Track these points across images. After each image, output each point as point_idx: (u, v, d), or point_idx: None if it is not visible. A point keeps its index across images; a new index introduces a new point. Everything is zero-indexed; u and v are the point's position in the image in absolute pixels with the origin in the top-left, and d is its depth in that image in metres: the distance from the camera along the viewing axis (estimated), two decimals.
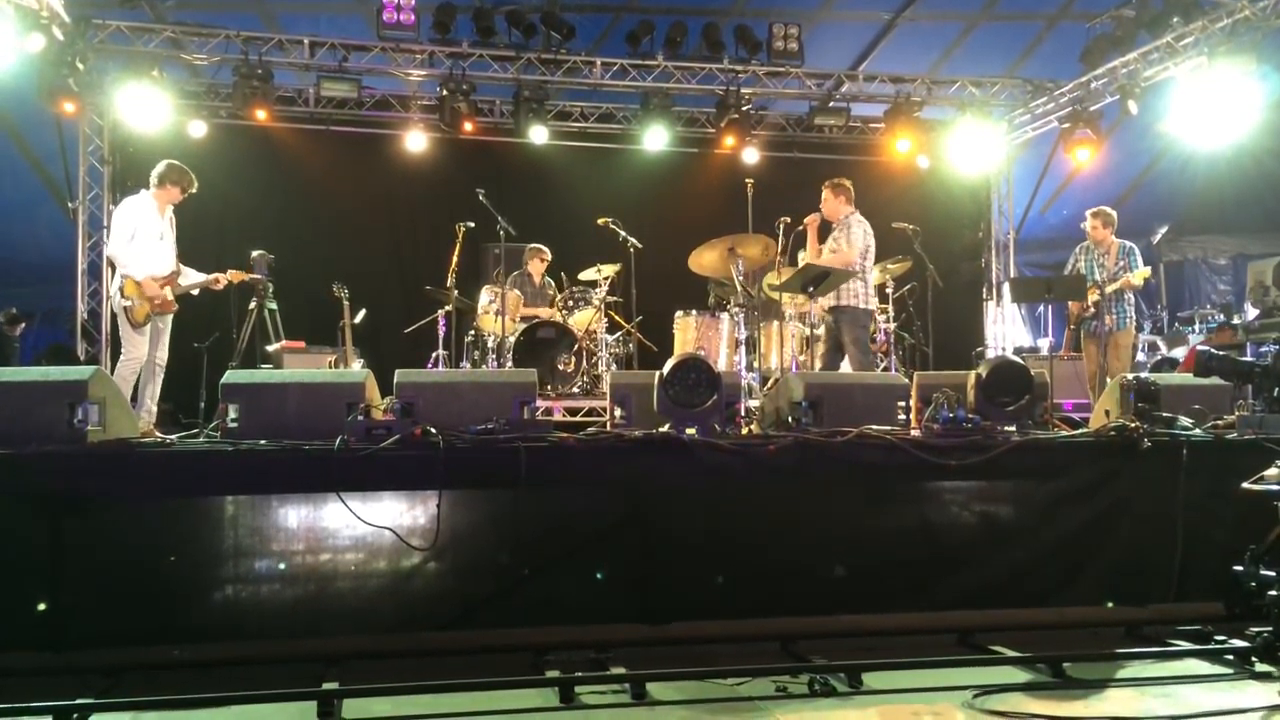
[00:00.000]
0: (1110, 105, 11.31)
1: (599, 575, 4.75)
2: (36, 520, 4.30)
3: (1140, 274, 8.80)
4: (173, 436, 5.44)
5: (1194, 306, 13.96)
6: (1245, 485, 4.42)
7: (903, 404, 5.43)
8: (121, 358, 7.36)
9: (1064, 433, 5.78)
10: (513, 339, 9.40)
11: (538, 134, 11.16)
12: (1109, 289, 8.78)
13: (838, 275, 8.03)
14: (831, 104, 11.84)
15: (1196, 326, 11.96)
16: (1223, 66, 9.42)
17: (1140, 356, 11.76)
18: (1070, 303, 9.21)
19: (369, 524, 4.51)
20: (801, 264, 8.33)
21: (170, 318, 7.62)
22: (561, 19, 10.82)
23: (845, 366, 8.31)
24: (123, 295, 7.29)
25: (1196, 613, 4.82)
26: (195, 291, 7.80)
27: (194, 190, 7.69)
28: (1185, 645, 4.54)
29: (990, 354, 12.15)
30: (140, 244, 7.38)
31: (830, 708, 3.80)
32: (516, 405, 4.99)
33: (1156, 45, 10.42)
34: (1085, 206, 9.58)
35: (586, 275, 10.12)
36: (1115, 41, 10.67)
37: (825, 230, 8.42)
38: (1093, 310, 8.88)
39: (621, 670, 4.05)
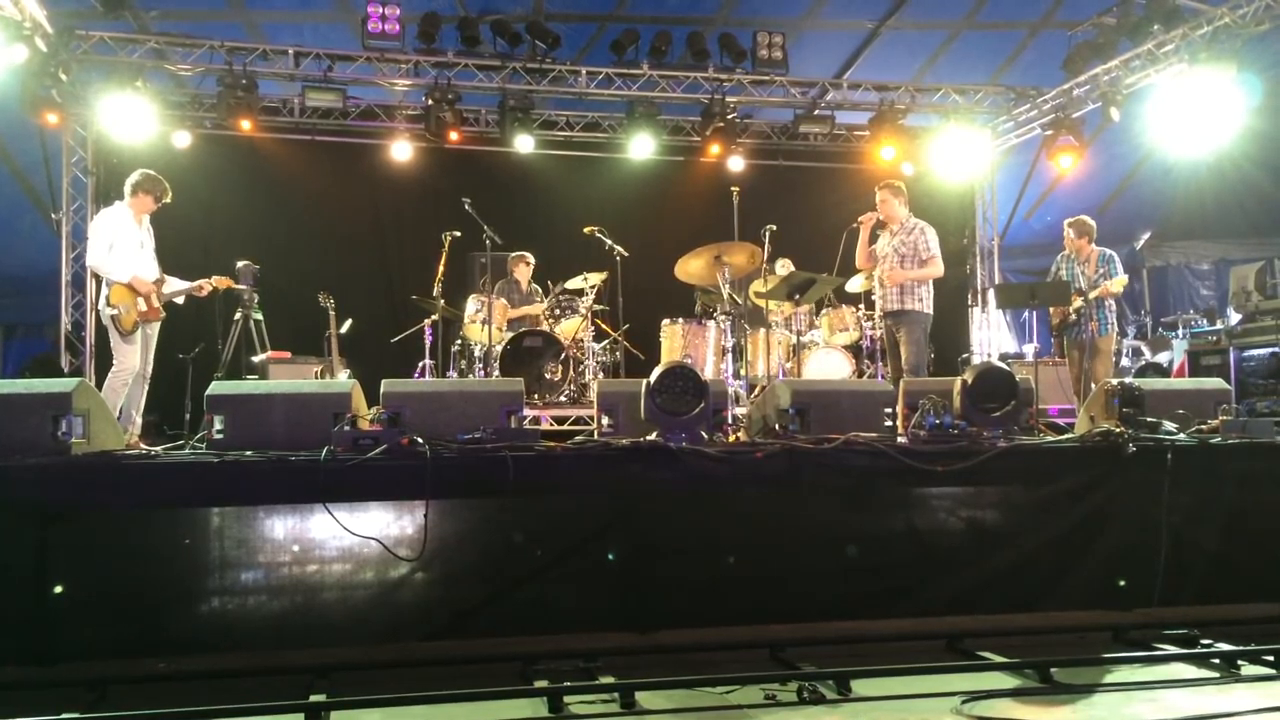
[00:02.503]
0: (1093, 112, 11.39)
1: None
2: (21, 533, 4.27)
3: (1118, 281, 8.85)
4: (158, 448, 5.41)
5: (1177, 311, 14.03)
6: None
7: (889, 410, 5.45)
8: (113, 369, 7.32)
9: (1050, 438, 5.80)
10: (499, 348, 9.39)
11: (523, 143, 11.18)
12: (1090, 296, 8.83)
13: (823, 283, 8.06)
14: (816, 112, 11.91)
15: (1180, 331, 12.01)
16: (1204, 73, 9.49)
17: (1124, 361, 11.82)
18: (1052, 309, 9.25)
19: (356, 534, 4.50)
20: (862, 264, 8.18)
21: (157, 326, 7.59)
22: (547, 28, 10.85)
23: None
24: (109, 304, 7.26)
25: (1183, 616, 4.85)
26: (180, 299, 7.77)
27: (168, 200, 7.65)
28: (1172, 649, 4.55)
29: (976, 360, 12.19)
30: (120, 253, 7.35)
31: (819, 715, 3.80)
32: (504, 414, 4.99)
33: (1138, 52, 10.50)
34: (1069, 212, 9.63)
35: (573, 284, 10.13)
36: (1097, 49, 10.74)
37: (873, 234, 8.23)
38: (1075, 316, 8.93)
39: (610, 679, 4.04)
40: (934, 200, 13.05)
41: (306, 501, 4.49)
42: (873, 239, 8.18)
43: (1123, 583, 5.15)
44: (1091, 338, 8.84)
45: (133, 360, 7.30)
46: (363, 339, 10.02)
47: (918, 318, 7.90)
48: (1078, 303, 8.87)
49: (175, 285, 7.69)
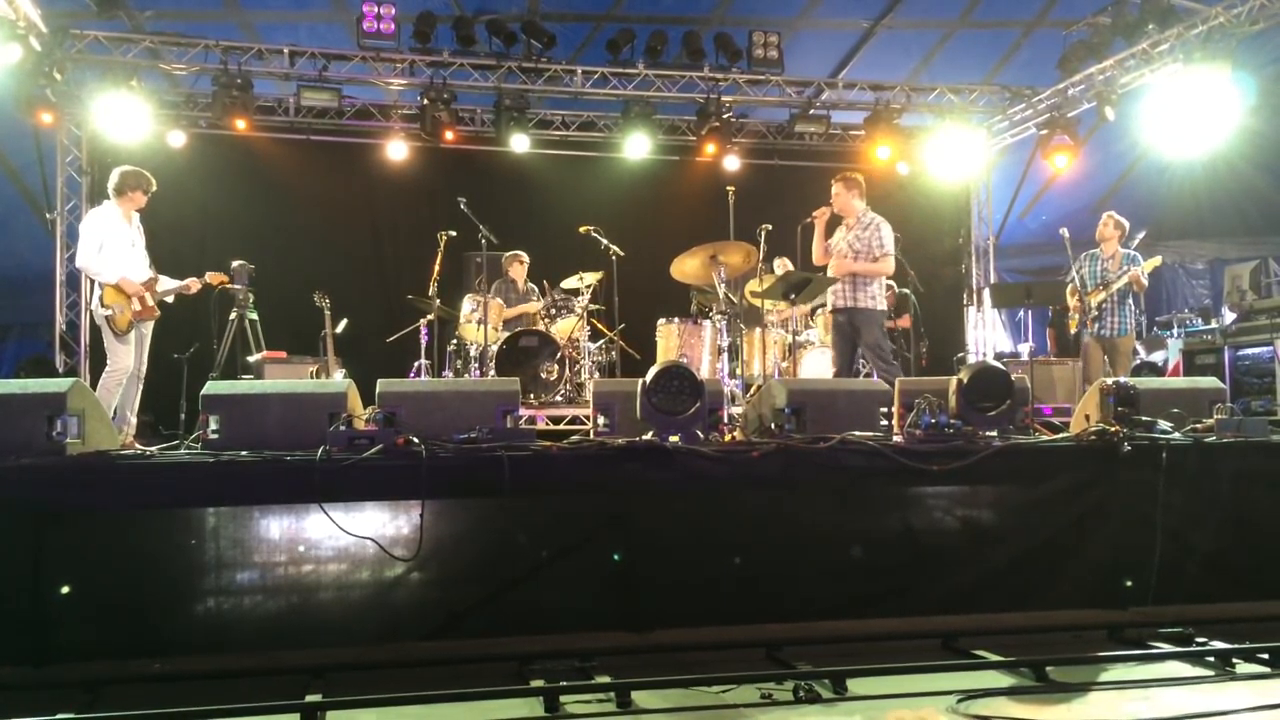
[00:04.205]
0: (1088, 111, 11.41)
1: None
2: (16, 533, 4.26)
3: (1150, 263, 8.80)
4: (153, 448, 5.40)
5: (1172, 310, 14.06)
6: None
7: (885, 410, 5.45)
8: (107, 369, 7.31)
9: (1045, 437, 5.81)
10: (495, 347, 9.39)
11: (519, 142, 11.18)
12: (1115, 285, 8.78)
13: (821, 282, 8.04)
14: (812, 111, 11.92)
15: (1175, 330, 12.05)
16: (1198, 72, 9.50)
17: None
18: (1073, 307, 9.21)
19: (352, 534, 4.49)
20: (819, 259, 8.03)
21: (151, 325, 7.58)
22: (542, 27, 10.85)
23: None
24: (103, 304, 7.25)
25: (1177, 615, 4.86)
26: (170, 298, 7.76)
27: (154, 189, 7.61)
28: (1167, 647, 4.56)
29: (971, 359, 12.21)
30: (110, 253, 7.33)
31: (815, 714, 3.80)
32: (499, 414, 4.98)
33: (1133, 52, 10.52)
34: (1064, 212, 9.66)
35: (569, 283, 10.14)
36: (1092, 48, 10.77)
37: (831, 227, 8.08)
38: (1095, 313, 8.90)
39: (606, 679, 4.03)
40: (929, 200, 13.10)
41: (302, 501, 4.47)
42: (831, 233, 8.01)
43: (1118, 581, 5.15)
44: (1111, 336, 8.85)
45: (127, 360, 7.29)
46: (358, 339, 10.01)
47: (872, 315, 7.71)
48: (1100, 297, 8.84)
49: (166, 284, 7.67)
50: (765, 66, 11.13)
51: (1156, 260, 8.94)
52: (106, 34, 10.15)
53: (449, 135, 10.92)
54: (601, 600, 4.77)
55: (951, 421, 5.30)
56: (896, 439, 5.31)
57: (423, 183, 11.80)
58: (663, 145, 12.06)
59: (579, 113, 12.22)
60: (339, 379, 8.46)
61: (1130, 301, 8.98)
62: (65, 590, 4.29)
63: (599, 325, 10.21)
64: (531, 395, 9.40)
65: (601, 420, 5.39)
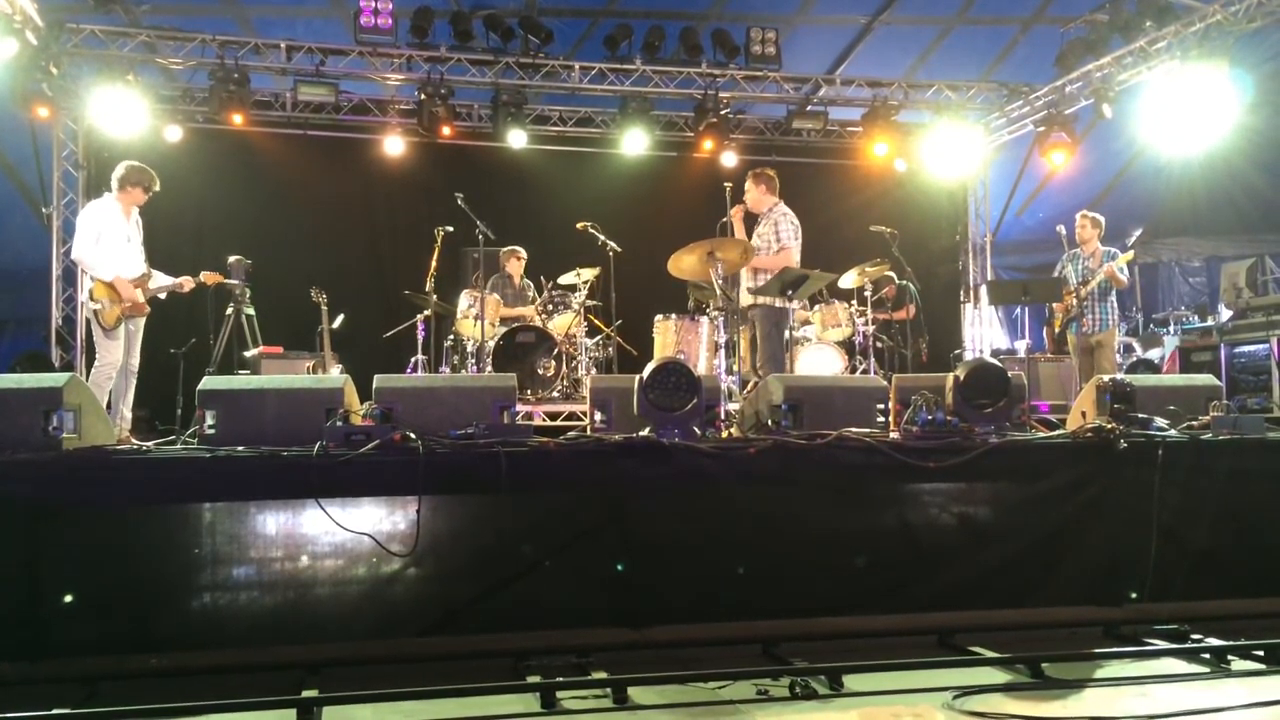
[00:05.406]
0: (1085, 109, 11.42)
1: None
2: (12, 529, 4.26)
3: (1125, 256, 8.85)
4: (149, 443, 5.40)
5: (1168, 308, 14.09)
6: None
7: (882, 406, 5.45)
8: (95, 364, 7.30)
9: (1041, 434, 5.81)
10: (492, 343, 9.38)
11: (516, 138, 11.17)
12: (1094, 281, 8.86)
13: (818, 278, 8.05)
14: (809, 108, 11.91)
15: (1171, 327, 12.06)
16: (1196, 70, 9.51)
17: (1116, 358, 11.87)
18: (1056, 307, 9.29)
19: (348, 530, 4.49)
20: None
21: (142, 321, 7.56)
22: (539, 23, 10.84)
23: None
24: (92, 299, 7.23)
25: (1173, 612, 4.87)
26: (163, 295, 7.74)
27: (157, 189, 7.60)
28: (1162, 644, 4.57)
29: (968, 356, 12.22)
30: (106, 247, 7.31)
31: (811, 710, 3.80)
32: (496, 410, 4.99)
33: (1130, 49, 10.52)
34: (1061, 209, 9.69)
35: (566, 279, 10.13)
36: (1089, 46, 10.77)
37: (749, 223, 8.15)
38: (1077, 311, 8.96)
39: (603, 675, 4.03)
40: (926, 196, 13.10)
41: (299, 497, 4.47)
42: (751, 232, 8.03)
43: (1114, 579, 5.16)
44: (1092, 333, 8.91)
45: (115, 355, 7.26)
46: (355, 334, 10.01)
47: (769, 311, 7.73)
48: (1084, 292, 8.91)
49: (160, 281, 7.65)
50: (763, 63, 11.11)
51: (1129, 254, 9.01)
52: (103, 28, 10.12)
53: (446, 131, 10.90)
54: (598, 596, 4.77)
55: (948, 418, 5.30)
56: (893, 436, 5.32)
57: (420, 178, 11.78)
58: (660, 141, 12.03)
59: (576, 108, 12.20)
60: (336, 374, 8.45)
61: (1112, 299, 9.04)
62: (61, 585, 4.29)
63: (596, 321, 10.21)
64: (528, 391, 9.40)
65: (599, 416, 5.39)
